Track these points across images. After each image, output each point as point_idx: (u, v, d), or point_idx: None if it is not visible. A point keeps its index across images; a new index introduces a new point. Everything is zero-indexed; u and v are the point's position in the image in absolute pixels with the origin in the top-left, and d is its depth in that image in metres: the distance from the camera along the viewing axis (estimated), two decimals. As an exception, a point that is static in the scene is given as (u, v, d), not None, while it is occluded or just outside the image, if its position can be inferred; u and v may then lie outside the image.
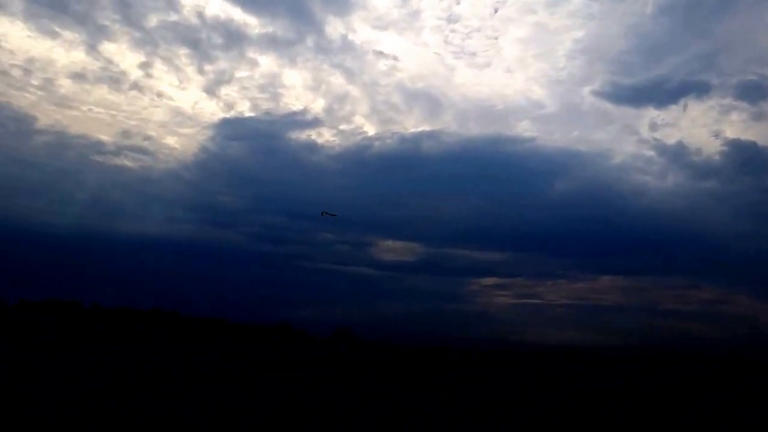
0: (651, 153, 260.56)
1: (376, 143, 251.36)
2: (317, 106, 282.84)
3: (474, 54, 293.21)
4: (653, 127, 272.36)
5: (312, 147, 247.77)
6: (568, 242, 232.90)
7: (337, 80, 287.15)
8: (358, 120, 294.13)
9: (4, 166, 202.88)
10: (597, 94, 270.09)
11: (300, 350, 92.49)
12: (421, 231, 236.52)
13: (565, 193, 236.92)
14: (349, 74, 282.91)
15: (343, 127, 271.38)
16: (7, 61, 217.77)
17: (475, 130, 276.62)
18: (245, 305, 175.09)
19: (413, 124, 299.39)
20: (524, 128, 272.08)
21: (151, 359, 66.77)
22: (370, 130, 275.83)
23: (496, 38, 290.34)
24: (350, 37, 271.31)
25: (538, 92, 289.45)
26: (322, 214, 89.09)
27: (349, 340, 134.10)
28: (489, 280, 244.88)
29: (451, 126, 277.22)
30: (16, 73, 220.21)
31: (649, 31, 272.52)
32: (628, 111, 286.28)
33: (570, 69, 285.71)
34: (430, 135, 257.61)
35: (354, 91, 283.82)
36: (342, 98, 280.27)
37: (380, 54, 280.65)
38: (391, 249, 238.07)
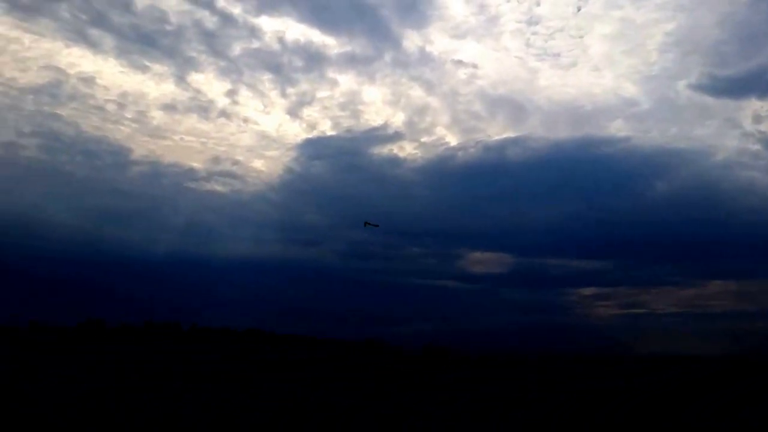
0: (757, 147, 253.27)
1: (459, 153, 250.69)
2: (397, 120, 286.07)
3: (558, 55, 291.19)
4: (757, 119, 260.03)
5: (394, 161, 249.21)
6: (672, 246, 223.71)
7: (417, 93, 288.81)
8: (440, 131, 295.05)
9: (104, 197, 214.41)
10: (693, 87, 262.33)
11: (391, 366, 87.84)
12: (511, 241, 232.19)
13: (666, 194, 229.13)
14: (429, 86, 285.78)
15: (424, 139, 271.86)
16: (102, 96, 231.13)
17: (563, 133, 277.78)
18: (335, 322, 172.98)
19: (497, 131, 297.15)
20: (617, 128, 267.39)
21: (253, 378, 63.15)
22: (452, 140, 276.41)
23: (580, 37, 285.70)
24: (428, 48, 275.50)
25: (630, 89, 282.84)
26: (365, 225, 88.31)
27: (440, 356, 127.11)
28: (588, 290, 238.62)
29: (537, 131, 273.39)
30: (111, 107, 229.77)
31: (745, 19, 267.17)
32: (729, 104, 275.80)
33: (663, 63, 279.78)
34: (515, 141, 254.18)
35: (434, 102, 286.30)
36: (422, 110, 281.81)
37: (459, 63, 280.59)
38: (481, 261, 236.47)
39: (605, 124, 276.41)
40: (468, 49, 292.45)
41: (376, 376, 67.49)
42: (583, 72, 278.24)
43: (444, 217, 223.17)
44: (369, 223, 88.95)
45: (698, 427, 38.40)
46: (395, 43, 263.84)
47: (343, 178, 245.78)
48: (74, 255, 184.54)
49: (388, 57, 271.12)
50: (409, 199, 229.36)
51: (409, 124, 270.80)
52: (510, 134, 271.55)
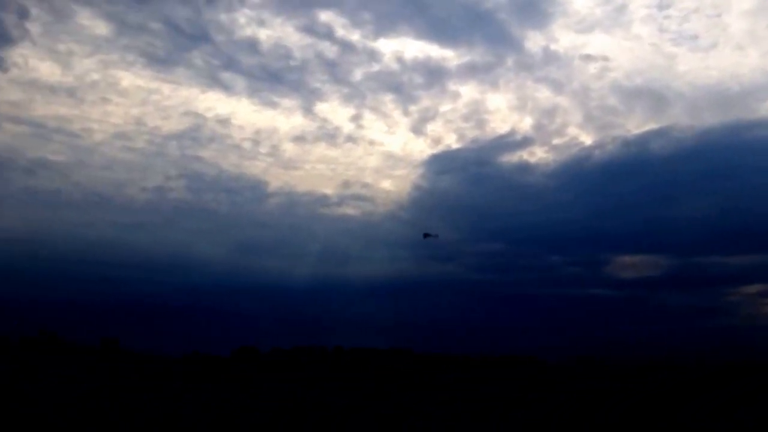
0: None
1: (596, 152, 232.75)
2: (525, 124, 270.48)
3: (696, 37, 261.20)
4: None
5: (525, 168, 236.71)
6: None
7: (544, 94, 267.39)
8: (572, 131, 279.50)
9: (245, 230, 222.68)
10: None
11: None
12: (661, 241, 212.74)
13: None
14: (556, 85, 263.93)
15: (556, 141, 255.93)
16: (238, 135, 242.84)
17: (710, 119, 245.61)
18: (474, 338, 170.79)
19: (636, 125, 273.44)
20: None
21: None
22: (587, 139, 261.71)
23: (718, 15, 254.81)
24: (552, 47, 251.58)
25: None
26: (425, 237, 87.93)
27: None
28: (752, 288, 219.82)
29: (681, 120, 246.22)
30: (246, 145, 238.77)
31: None
32: None
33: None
34: (657, 133, 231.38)
35: (563, 102, 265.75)
36: (551, 112, 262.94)
37: (588, 57, 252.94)
38: (630, 265, 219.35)
39: (755, 105, 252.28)
40: (596, 43, 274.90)
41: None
42: (725, 52, 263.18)
43: (584, 221, 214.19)
44: (428, 235, 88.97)
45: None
46: (516, 46, 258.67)
47: (472, 190, 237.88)
48: (222, 286, 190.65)
49: (510, 61, 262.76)
50: (544, 206, 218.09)
51: (538, 127, 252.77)
52: (651, 126, 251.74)
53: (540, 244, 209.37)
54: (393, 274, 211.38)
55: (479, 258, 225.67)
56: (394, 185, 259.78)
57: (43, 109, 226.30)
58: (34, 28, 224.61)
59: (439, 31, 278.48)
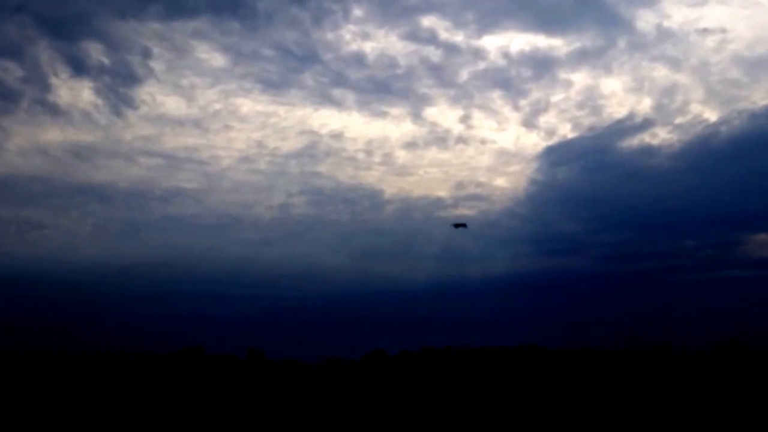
0: None
1: (722, 128, 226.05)
2: (644, 106, 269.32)
3: None
4: None
5: (647, 151, 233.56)
6: None
7: (661, 73, 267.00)
8: (695, 108, 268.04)
9: (365, 237, 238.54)
10: None
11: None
12: None
13: None
14: (674, 63, 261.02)
15: (678, 120, 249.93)
16: (351, 148, 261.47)
17: None
18: (605, 330, 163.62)
19: (762, 96, 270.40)
20: None
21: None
22: (711, 115, 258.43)
23: None
24: (666, 24, 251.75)
25: None
26: (455, 227, 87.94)
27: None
28: None
29: None
30: (360, 156, 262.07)
31: None
32: None
33: None
34: None
35: (683, 79, 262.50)
36: (671, 90, 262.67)
37: (705, 31, 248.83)
38: None
39: None
40: (712, 14, 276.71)
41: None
42: None
43: (715, 201, 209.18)
44: (458, 225, 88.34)
45: None
46: (628, 27, 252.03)
47: (592, 179, 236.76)
48: (347, 293, 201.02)
49: (622, 43, 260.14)
50: (671, 189, 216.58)
51: (659, 108, 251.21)
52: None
53: (667, 230, 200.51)
54: (515, 271, 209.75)
55: (605, 249, 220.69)
56: (508, 182, 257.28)
57: (173, 141, 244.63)
58: (157, 66, 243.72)
59: (545, 21, 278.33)
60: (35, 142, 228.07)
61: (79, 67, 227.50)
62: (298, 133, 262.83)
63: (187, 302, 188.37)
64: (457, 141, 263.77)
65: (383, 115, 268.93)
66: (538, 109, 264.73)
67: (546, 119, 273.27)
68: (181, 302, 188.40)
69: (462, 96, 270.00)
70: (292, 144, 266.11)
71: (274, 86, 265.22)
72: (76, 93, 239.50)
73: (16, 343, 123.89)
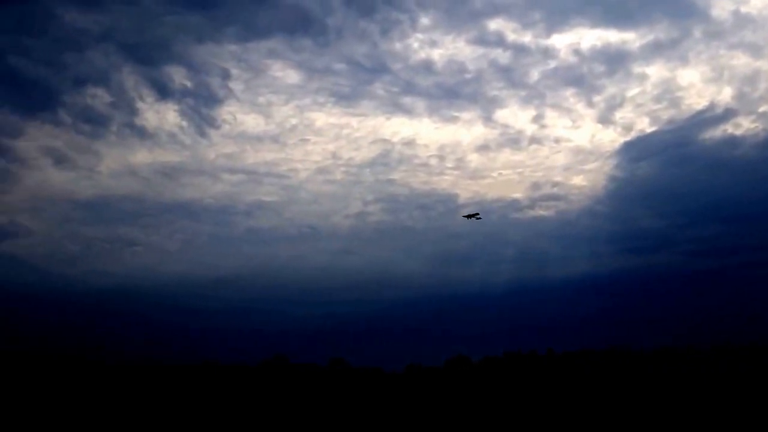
0: None
1: None
2: (725, 96, 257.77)
3: None
4: None
5: (730, 141, 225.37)
6: None
7: (741, 61, 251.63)
8: None
9: (441, 242, 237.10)
10: None
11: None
12: None
13: None
14: (755, 49, 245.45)
15: (763, 109, 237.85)
16: (424, 154, 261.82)
17: None
18: (697, 329, 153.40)
19: None
20: None
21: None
22: None
23: None
24: (743, 9, 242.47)
25: None
26: (468, 218, 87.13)
27: None
28: None
29: None
30: (433, 162, 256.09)
31: None
32: None
33: None
34: None
35: (765, 65, 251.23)
36: (752, 78, 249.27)
37: None
38: None
39: None
40: None
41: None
42: None
43: None
44: (470, 216, 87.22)
45: None
46: (703, 15, 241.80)
47: (673, 173, 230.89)
48: (426, 298, 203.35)
49: (698, 33, 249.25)
50: (757, 180, 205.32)
51: (740, 96, 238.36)
52: None
53: (759, 222, 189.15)
54: (597, 270, 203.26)
55: (691, 244, 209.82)
56: (586, 180, 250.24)
57: (253, 157, 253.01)
58: (236, 86, 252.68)
59: (616, 15, 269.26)
60: (125, 163, 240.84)
61: (163, 91, 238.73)
62: (370, 142, 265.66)
63: (271, 312, 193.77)
64: (530, 141, 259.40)
65: (454, 120, 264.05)
66: (614, 104, 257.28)
67: (622, 114, 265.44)
68: (266, 312, 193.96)
69: (533, 96, 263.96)
70: (366, 153, 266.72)
71: (346, 98, 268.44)
72: (162, 116, 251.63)
73: (115, 354, 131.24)
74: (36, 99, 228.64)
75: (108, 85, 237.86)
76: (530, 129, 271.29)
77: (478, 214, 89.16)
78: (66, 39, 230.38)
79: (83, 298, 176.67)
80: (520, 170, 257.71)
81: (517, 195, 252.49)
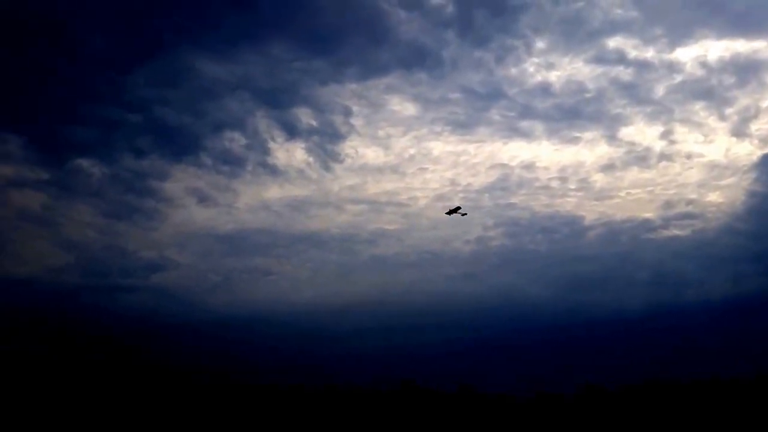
0: None
1: None
2: None
3: None
4: None
5: None
6: None
7: None
8: None
9: (567, 266, 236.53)
10: None
11: None
12: None
13: None
14: None
15: None
16: (544, 177, 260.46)
17: None
18: None
19: None
20: None
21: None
22: None
23: None
24: None
25: None
26: (451, 213, 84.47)
27: None
28: None
29: None
30: (554, 184, 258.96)
31: None
32: None
33: None
34: None
35: None
36: None
37: None
38: None
39: None
40: None
41: None
42: None
43: None
44: (453, 211, 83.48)
45: None
46: None
47: None
48: (553, 324, 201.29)
49: None
50: None
51: None
52: None
53: None
54: (740, 292, 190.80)
55: None
56: (723, 196, 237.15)
57: (375, 187, 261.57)
58: (357, 122, 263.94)
59: (743, 24, 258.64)
60: (259, 199, 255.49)
61: (292, 131, 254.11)
62: (488, 167, 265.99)
63: (396, 337, 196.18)
64: (659, 158, 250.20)
65: (575, 140, 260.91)
66: (748, 116, 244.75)
67: (758, 126, 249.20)
68: (392, 338, 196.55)
69: (660, 111, 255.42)
70: (484, 179, 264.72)
71: (463, 126, 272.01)
72: (291, 154, 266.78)
73: (250, 378, 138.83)
74: (180, 145, 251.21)
75: (243, 129, 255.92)
76: (658, 146, 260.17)
77: (459, 207, 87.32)
78: (204, 89, 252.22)
79: (225, 325, 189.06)
80: (650, 189, 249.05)
81: (648, 214, 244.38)
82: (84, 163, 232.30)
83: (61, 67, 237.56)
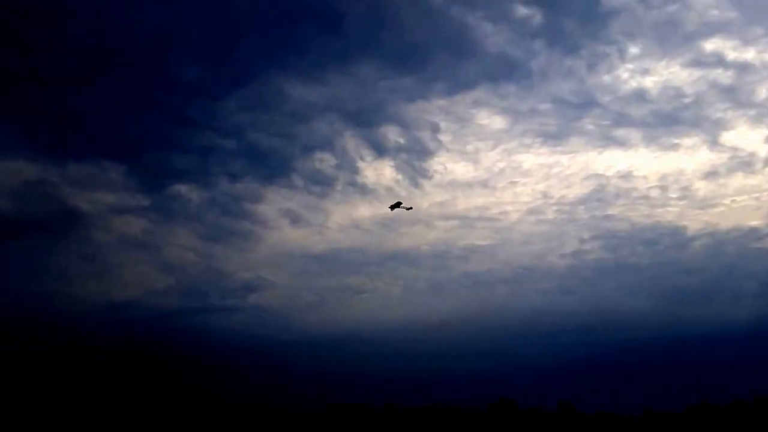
0: None
1: None
2: None
3: None
4: None
5: None
6: None
7: None
8: None
9: (670, 278, 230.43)
10: None
11: None
12: None
13: None
14: None
15: None
16: (643, 186, 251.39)
17: None
18: None
19: None
20: None
21: None
22: None
23: None
24: None
25: None
26: (393, 208, 79.30)
27: None
28: None
29: None
30: (654, 193, 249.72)
31: None
32: None
33: None
34: None
35: None
36: None
37: None
38: None
39: None
40: None
41: None
42: None
43: None
44: (396, 206, 78.35)
45: None
46: None
47: None
48: (656, 339, 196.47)
49: None
50: None
51: None
52: None
53: None
54: None
55: None
56: None
57: (464, 203, 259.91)
58: (445, 138, 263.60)
59: None
60: (350, 218, 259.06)
61: (380, 150, 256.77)
62: (583, 178, 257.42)
63: (492, 354, 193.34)
64: (765, 163, 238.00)
65: (674, 147, 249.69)
66: None
67: None
68: (487, 354, 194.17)
69: (764, 114, 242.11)
70: (578, 190, 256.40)
71: (554, 137, 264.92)
72: (380, 172, 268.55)
73: (345, 397, 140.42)
74: (272, 167, 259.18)
75: (332, 150, 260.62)
76: (763, 150, 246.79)
77: (401, 202, 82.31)
78: (294, 112, 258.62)
79: (319, 344, 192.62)
80: (756, 195, 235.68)
81: (756, 223, 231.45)
82: (182, 188, 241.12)
83: (160, 96, 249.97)
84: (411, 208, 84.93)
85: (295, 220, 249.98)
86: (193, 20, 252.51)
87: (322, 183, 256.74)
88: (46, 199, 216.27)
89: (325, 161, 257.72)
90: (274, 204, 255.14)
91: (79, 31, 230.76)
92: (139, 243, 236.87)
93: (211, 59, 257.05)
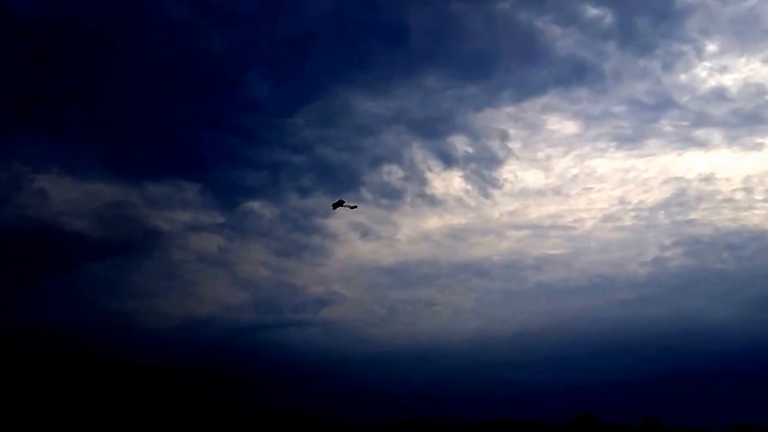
0: None
1: None
2: None
3: None
4: None
5: None
6: None
7: None
8: None
9: (759, 286, 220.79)
10: None
11: None
12: None
13: None
14: None
15: None
16: (726, 189, 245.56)
17: None
18: None
19: None
20: None
21: None
22: None
23: None
24: None
25: None
26: (335, 207, 74.32)
27: None
28: None
29: None
30: (739, 196, 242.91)
31: None
32: None
33: None
34: None
35: None
36: None
37: None
38: None
39: None
40: None
41: None
42: None
43: None
44: (338, 204, 72.93)
45: None
46: None
47: None
48: (746, 348, 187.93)
49: None
50: None
51: None
52: None
53: None
54: None
55: None
56: None
57: (536, 211, 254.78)
58: (514, 145, 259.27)
59: None
60: (419, 230, 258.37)
61: (448, 160, 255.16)
62: (662, 182, 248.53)
63: (571, 367, 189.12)
64: None
65: (758, 147, 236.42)
66: None
67: None
68: (565, 367, 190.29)
69: None
70: (657, 195, 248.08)
71: (629, 141, 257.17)
72: (448, 183, 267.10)
73: (417, 411, 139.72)
74: (341, 181, 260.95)
75: (400, 162, 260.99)
76: None
77: (344, 201, 77.07)
78: (362, 126, 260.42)
79: (393, 358, 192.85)
80: None
81: None
82: (255, 204, 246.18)
83: (231, 115, 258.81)
84: (356, 206, 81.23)
85: (365, 233, 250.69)
86: (262, 40, 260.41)
87: (390, 195, 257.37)
88: (125, 220, 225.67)
89: (393, 173, 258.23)
90: (343, 218, 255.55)
91: (155, 51, 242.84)
92: (215, 260, 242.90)
93: (280, 77, 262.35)
